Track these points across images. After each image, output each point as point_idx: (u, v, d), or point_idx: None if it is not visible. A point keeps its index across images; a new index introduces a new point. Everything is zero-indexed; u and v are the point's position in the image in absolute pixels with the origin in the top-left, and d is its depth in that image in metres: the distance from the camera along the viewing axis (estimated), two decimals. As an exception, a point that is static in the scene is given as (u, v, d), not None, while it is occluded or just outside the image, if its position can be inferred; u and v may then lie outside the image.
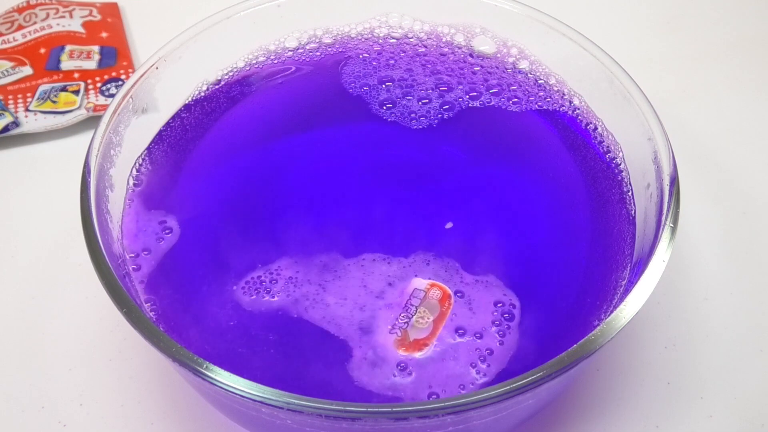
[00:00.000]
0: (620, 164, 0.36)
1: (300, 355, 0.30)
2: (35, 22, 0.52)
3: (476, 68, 0.39)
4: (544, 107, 0.38)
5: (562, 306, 0.32)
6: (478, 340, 0.31)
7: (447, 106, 0.38)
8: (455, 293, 0.32)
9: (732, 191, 0.44)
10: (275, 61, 0.40)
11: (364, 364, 0.30)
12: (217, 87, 0.39)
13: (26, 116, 0.47)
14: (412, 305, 0.31)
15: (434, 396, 0.29)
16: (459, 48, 0.40)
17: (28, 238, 0.42)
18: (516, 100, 0.38)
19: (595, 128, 0.37)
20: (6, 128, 0.46)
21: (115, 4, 0.55)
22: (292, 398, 0.25)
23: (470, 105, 0.38)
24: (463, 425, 0.28)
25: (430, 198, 0.35)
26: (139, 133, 0.36)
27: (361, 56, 0.40)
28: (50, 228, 0.42)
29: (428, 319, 0.31)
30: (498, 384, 0.26)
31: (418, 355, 0.30)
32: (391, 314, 0.31)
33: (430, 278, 0.32)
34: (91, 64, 0.50)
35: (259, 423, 0.30)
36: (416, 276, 0.32)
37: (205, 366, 0.26)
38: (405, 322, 0.31)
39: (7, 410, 0.36)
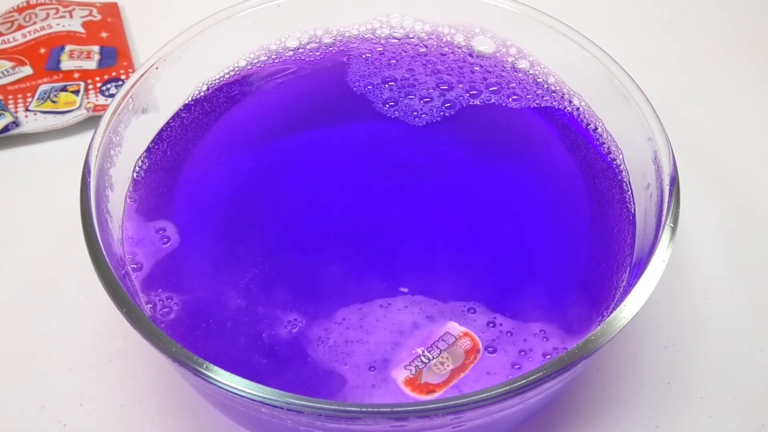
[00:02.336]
0: (620, 164, 0.35)
1: (300, 363, 0.30)
2: (35, 22, 0.52)
3: (476, 68, 0.39)
4: (544, 106, 0.38)
5: (562, 306, 0.32)
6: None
7: (448, 104, 0.38)
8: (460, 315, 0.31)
9: (732, 191, 0.44)
10: (276, 61, 0.40)
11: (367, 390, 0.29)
12: (217, 87, 0.39)
13: (26, 116, 0.47)
14: (437, 348, 0.30)
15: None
16: (459, 48, 0.40)
17: (28, 239, 0.42)
18: (515, 97, 0.38)
19: (595, 128, 0.37)
20: (6, 128, 0.46)
21: (115, 4, 0.55)
22: (292, 398, 0.25)
23: (471, 103, 0.38)
24: (463, 425, 0.28)
25: (431, 198, 0.36)
26: (139, 133, 0.36)
27: (363, 56, 0.40)
28: (50, 228, 0.42)
29: (447, 367, 0.29)
30: (498, 384, 0.26)
31: (421, 398, 0.29)
32: (412, 347, 0.30)
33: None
34: (91, 64, 0.50)
35: (259, 423, 0.30)
36: (452, 320, 0.31)
37: (205, 366, 0.26)
38: (424, 363, 0.29)
39: (6, 410, 0.36)
